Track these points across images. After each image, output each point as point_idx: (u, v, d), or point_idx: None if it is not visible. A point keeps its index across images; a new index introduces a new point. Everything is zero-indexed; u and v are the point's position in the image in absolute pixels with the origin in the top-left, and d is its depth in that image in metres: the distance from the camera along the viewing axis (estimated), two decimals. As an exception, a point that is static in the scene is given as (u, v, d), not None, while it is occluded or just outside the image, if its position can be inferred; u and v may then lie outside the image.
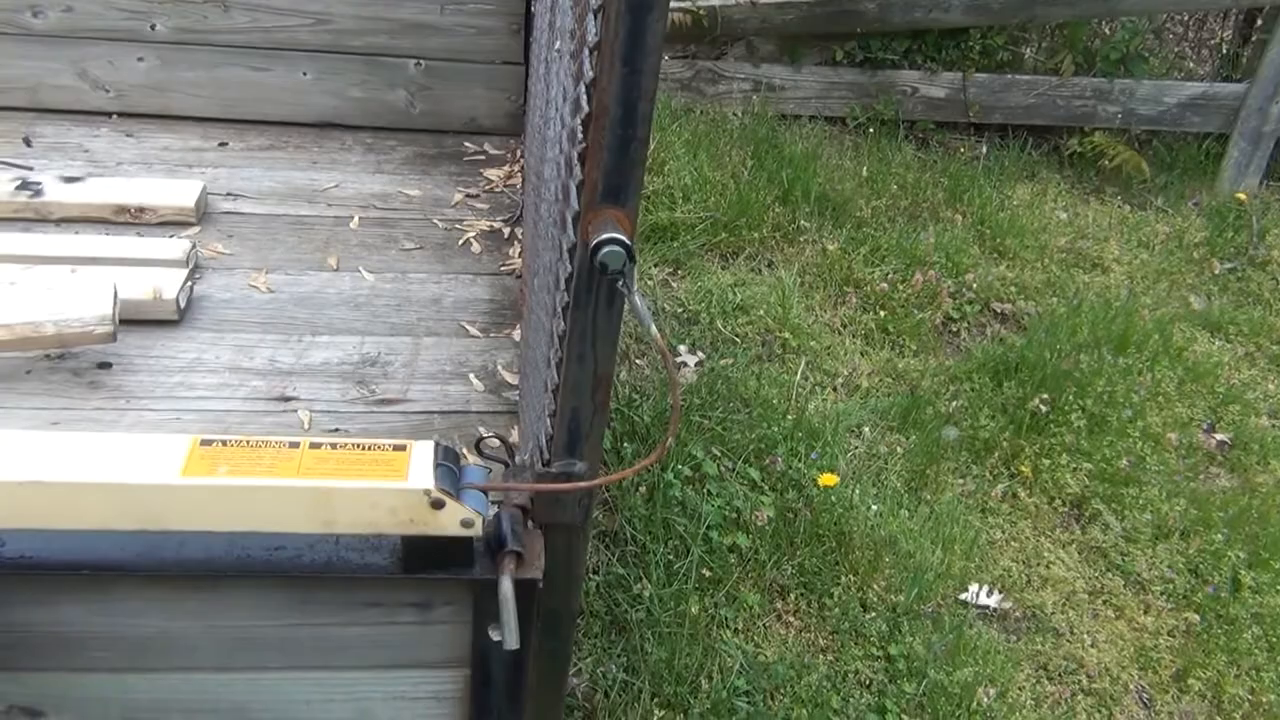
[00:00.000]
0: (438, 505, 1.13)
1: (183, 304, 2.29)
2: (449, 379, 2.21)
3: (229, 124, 3.11)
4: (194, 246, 2.45)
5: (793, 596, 2.70)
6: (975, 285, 4.03)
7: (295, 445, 1.15)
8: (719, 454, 2.99)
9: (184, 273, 2.34)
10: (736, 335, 3.64)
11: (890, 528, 2.90)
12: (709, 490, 2.86)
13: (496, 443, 1.32)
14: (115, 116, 3.07)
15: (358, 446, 1.16)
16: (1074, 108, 5.09)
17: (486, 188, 2.97)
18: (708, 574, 2.68)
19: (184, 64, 3.02)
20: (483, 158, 3.13)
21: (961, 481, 3.19)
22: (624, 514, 2.76)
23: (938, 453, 3.23)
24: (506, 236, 2.75)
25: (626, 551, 2.69)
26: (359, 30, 3.02)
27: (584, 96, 1.07)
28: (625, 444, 2.95)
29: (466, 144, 3.17)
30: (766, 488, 2.93)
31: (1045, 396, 3.40)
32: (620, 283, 1.06)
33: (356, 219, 2.74)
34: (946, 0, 4.77)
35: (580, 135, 1.09)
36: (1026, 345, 3.67)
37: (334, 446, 1.16)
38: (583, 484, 1.21)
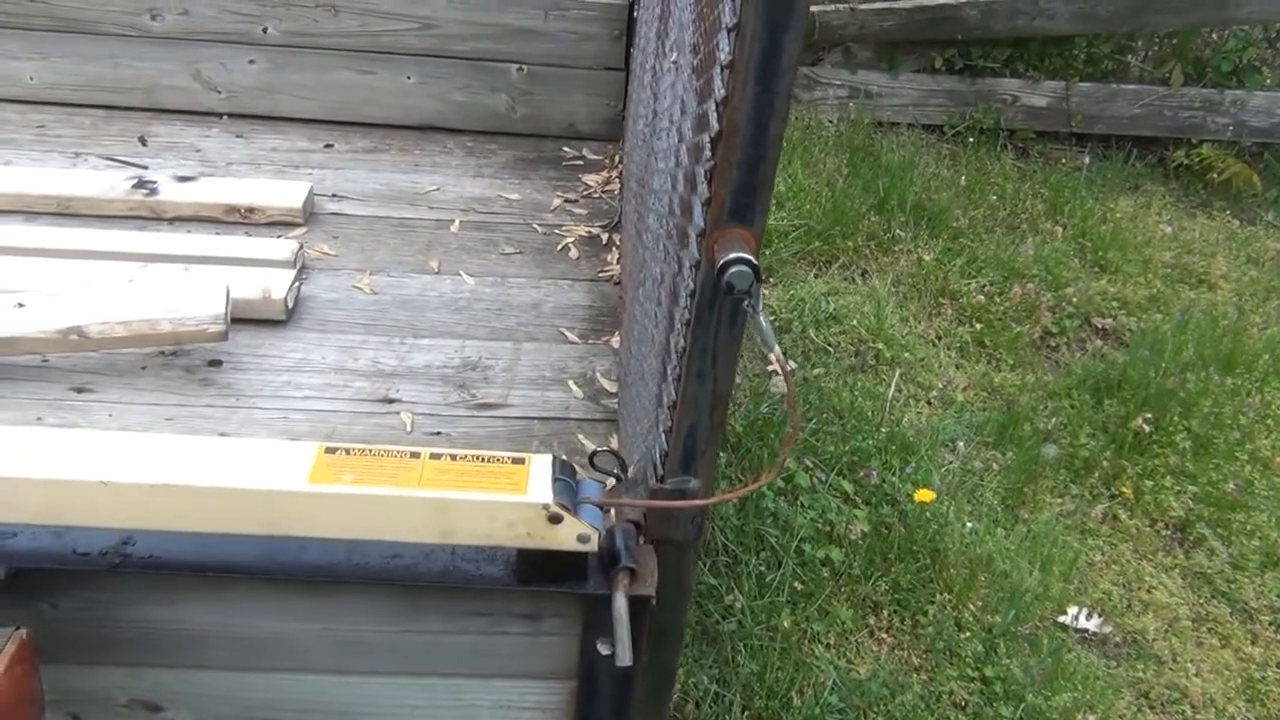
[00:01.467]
0: (555, 520, 1.14)
1: (290, 304, 2.33)
2: (549, 385, 2.22)
3: (334, 126, 3.17)
4: (301, 247, 2.50)
5: (886, 613, 2.66)
6: (1075, 299, 3.94)
7: (416, 455, 1.16)
8: (811, 465, 2.96)
9: (292, 273, 2.38)
10: (829, 345, 3.60)
11: (986, 546, 2.84)
12: (801, 502, 2.84)
13: (609, 456, 1.32)
14: (226, 117, 3.15)
15: (477, 459, 1.17)
16: (1181, 119, 4.95)
17: (584, 193, 2.98)
18: (799, 587, 2.65)
19: (293, 66, 3.08)
20: (581, 163, 3.15)
21: (1060, 501, 3.11)
22: (716, 524, 2.75)
23: (1036, 470, 3.16)
24: (604, 243, 2.76)
25: (718, 561, 2.68)
26: (464, 35, 3.05)
27: (713, 114, 1.07)
28: (718, 454, 2.94)
29: (565, 149, 3.19)
30: (860, 501, 2.89)
31: (1148, 416, 3.31)
32: (746, 302, 1.05)
33: (457, 222, 2.77)
34: (1052, 8, 4.67)
35: (709, 153, 1.08)
36: (1129, 362, 3.58)
37: (454, 458, 1.17)
38: (699, 502, 1.20)
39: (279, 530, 1.13)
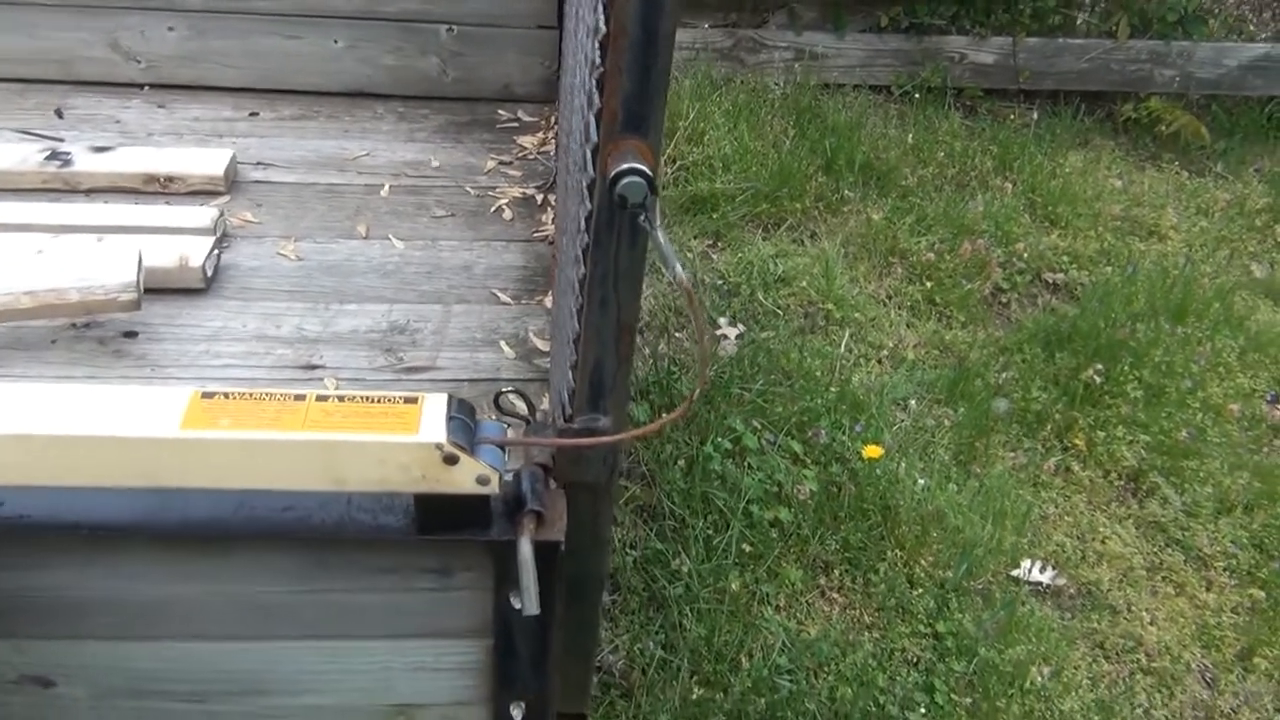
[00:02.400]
0: (451, 460, 1.07)
1: (209, 272, 2.25)
2: (479, 346, 2.15)
3: (260, 94, 3.06)
4: (221, 214, 2.41)
5: (836, 572, 2.62)
6: (1026, 255, 3.90)
7: (301, 398, 1.08)
8: (760, 427, 2.91)
9: (211, 240, 2.29)
10: (778, 307, 3.54)
11: (938, 502, 2.80)
12: (749, 464, 2.78)
13: (518, 400, 1.24)
14: (147, 88, 3.04)
15: (367, 399, 1.10)
16: (1129, 72, 4.92)
17: (519, 155, 2.90)
18: (748, 549, 2.60)
19: (215, 33, 2.97)
20: (516, 125, 3.06)
21: (1012, 455, 3.08)
22: (662, 488, 2.69)
23: (987, 425, 3.12)
24: (539, 203, 2.68)
25: (665, 526, 2.62)
26: (390, -5, 2.96)
27: (602, 19, 1.00)
28: (665, 415, 2.88)
29: (500, 111, 3.10)
30: (809, 461, 2.84)
31: (1100, 367, 3.28)
32: (642, 217, 0.98)
33: (387, 187, 2.68)
34: (997, -38, 4.63)
35: (599, 62, 1.01)
36: (1080, 315, 3.55)
37: (341, 399, 1.09)
38: (606, 439, 1.14)
39: (155, 482, 1.05)
